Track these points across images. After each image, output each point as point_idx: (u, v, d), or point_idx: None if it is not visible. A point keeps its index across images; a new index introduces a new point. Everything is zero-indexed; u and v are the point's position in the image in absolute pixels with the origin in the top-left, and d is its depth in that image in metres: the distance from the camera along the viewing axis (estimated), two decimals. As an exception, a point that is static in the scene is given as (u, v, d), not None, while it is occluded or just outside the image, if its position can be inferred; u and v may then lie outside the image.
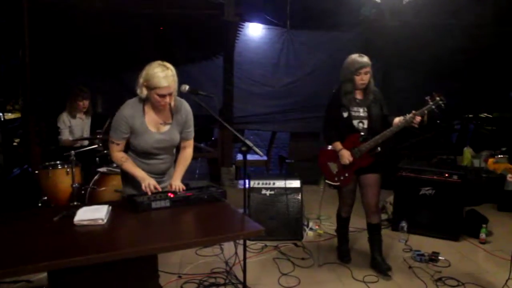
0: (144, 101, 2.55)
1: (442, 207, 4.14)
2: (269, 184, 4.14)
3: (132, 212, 2.34)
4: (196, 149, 2.94)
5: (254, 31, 6.27)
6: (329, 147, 3.47)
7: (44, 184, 4.05)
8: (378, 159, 3.34)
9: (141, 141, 2.56)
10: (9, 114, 6.07)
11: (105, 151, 4.16)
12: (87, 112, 4.59)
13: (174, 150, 2.80)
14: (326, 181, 3.54)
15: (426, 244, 4.02)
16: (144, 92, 2.47)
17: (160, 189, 2.56)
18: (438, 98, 3.05)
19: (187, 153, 2.80)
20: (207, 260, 3.64)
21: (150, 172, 2.65)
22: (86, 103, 4.51)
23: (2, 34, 5.41)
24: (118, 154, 2.60)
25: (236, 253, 3.48)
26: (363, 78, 3.23)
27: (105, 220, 2.15)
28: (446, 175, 4.15)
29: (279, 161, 7.08)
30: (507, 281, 3.10)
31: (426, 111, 3.07)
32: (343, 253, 3.69)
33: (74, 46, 5.52)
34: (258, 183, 4.14)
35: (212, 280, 3.26)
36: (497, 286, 3.20)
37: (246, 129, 6.76)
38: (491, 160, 5.56)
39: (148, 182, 2.52)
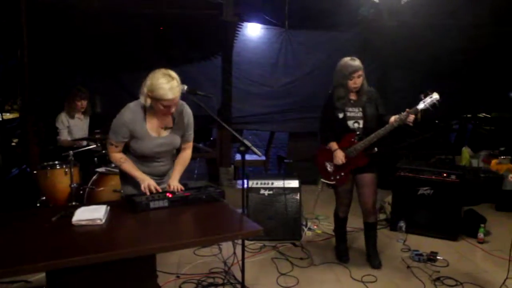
0: (146, 106, 2.49)
1: (440, 207, 4.14)
2: (268, 184, 4.14)
3: (131, 212, 2.34)
4: (194, 149, 2.93)
5: (253, 31, 6.27)
6: (327, 147, 3.48)
7: (42, 184, 4.05)
8: (374, 159, 3.36)
9: (141, 146, 2.54)
10: (8, 114, 6.05)
11: (104, 151, 4.15)
12: (85, 112, 4.59)
13: (174, 151, 2.79)
14: (322, 180, 3.56)
15: (424, 244, 4.03)
16: (148, 102, 2.42)
17: (160, 190, 2.55)
18: (431, 95, 3.06)
19: (186, 154, 2.79)
20: (205, 260, 3.64)
21: (150, 174, 2.63)
22: (84, 103, 4.52)
23: (0, 34, 5.39)
24: (117, 155, 2.58)
25: (234, 253, 3.47)
26: (356, 82, 3.25)
27: (103, 220, 2.15)
28: (444, 175, 4.15)
29: (278, 161, 7.08)
30: (505, 280, 3.11)
31: (419, 109, 3.08)
32: (341, 252, 3.69)
33: (72, 46, 5.51)
34: (257, 183, 4.14)
35: (211, 280, 3.26)
36: (495, 286, 3.20)
37: (244, 129, 6.75)
38: (494, 161, 5.55)
39: (148, 183, 2.51)
